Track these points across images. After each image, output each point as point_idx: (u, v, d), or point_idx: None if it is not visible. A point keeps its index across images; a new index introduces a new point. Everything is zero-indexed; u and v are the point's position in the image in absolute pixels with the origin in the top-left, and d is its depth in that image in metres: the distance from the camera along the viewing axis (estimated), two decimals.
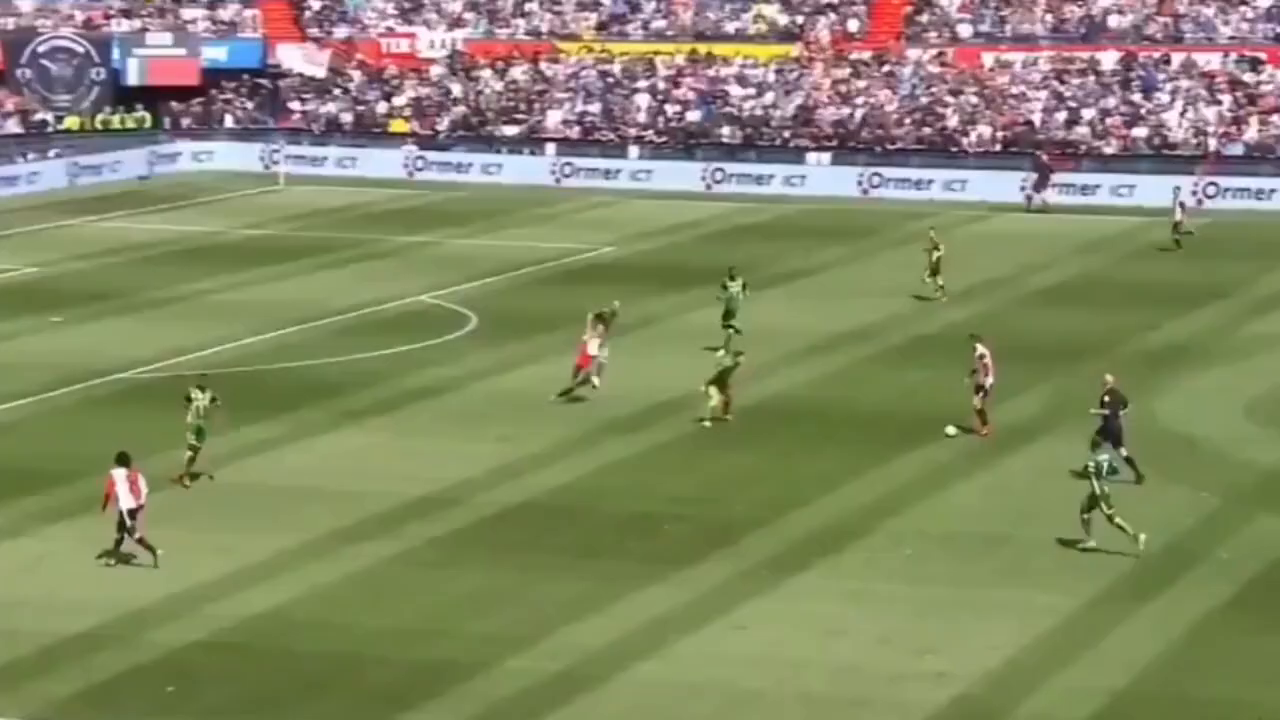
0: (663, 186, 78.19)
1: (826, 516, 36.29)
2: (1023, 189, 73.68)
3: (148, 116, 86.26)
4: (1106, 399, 38.29)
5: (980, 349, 41.36)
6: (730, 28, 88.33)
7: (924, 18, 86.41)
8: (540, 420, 42.90)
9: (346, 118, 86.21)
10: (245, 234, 69.05)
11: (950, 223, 66.16)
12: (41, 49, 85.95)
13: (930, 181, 76.39)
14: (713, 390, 41.83)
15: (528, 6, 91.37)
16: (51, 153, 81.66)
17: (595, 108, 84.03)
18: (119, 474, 33.05)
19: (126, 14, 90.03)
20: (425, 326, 52.57)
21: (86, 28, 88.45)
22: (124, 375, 46.93)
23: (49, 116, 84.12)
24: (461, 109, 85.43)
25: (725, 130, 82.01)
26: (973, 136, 78.81)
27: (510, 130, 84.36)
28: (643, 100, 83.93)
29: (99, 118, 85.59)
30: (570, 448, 40.71)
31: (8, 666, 29.08)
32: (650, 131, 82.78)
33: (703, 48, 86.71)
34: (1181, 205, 65.52)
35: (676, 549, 34.43)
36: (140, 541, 33.02)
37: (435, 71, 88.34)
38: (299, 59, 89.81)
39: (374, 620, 31.14)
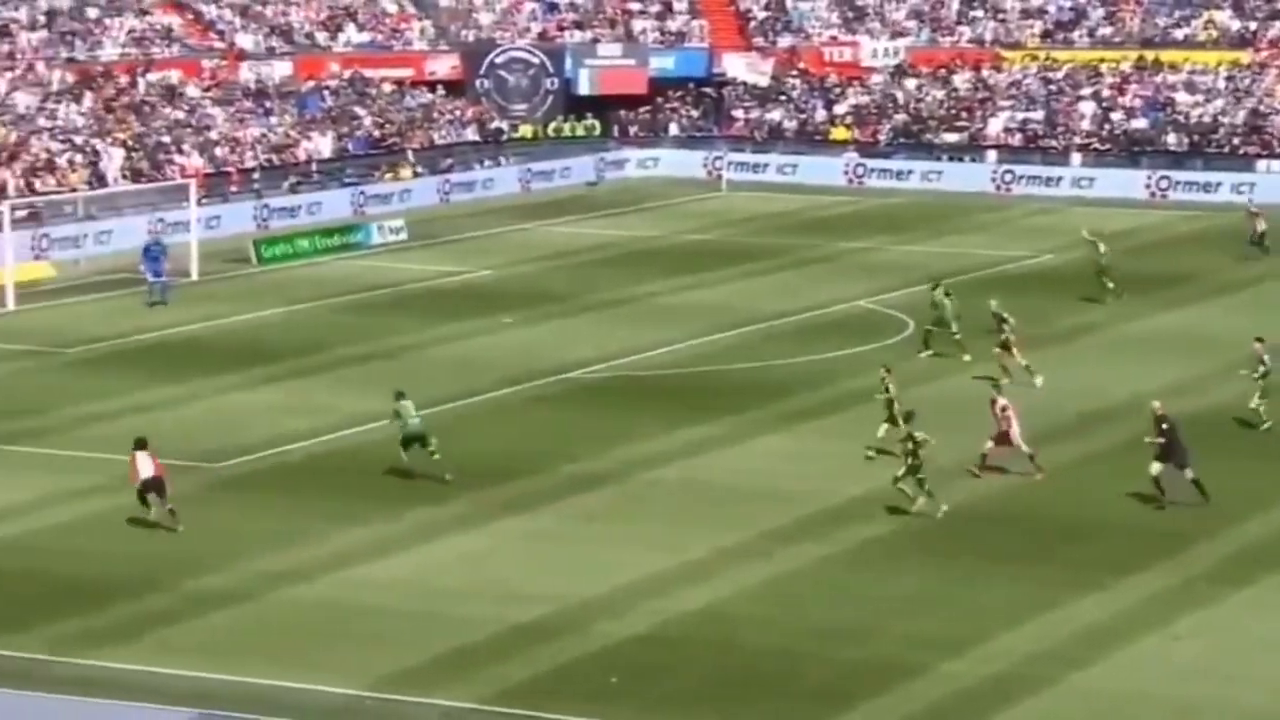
0: (1105, 194, 76.82)
1: (1272, 530, 35.23)
2: None
3: (597, 124, 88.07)
4: (1164, 426, 36.51)
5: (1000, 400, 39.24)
6: (1179, 34, 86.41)
7: None
8: (978, 426, 42.49)
9: (788, 125, 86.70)
10: (688, 239, 69.88)
11: None
12: (499, 60, 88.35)
13: None
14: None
15: (972, 14, 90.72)
16: (506, 160, 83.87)
17: (1038, 115, 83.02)
18: (140, 455, 35.51)
19: (580, 26, 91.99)
20: (864, 331, 52.53)
21: (541, 39, 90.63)
22: (570, 375, 47.90)
23: (504, 125, 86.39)
24: (902, 116, 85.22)
25: (1171, 138, 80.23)
26: None
27: (951, 137, 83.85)
28: (1087, 108, 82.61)
29: (551, 126, 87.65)
30: (1007, 454, 40.24)
31: (462, 652, 29.94)
32: (1094, 139, 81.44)
33: (1150, 54, 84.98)
34: (1253, 213, 63.87)
35: (1116, 557, 33.81)
36: (171, 512, 35.26)
37: (877, 79, 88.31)
38: (743, 68, 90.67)
39: (811, 619, 31.25)
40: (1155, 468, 36.55)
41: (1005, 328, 46.47)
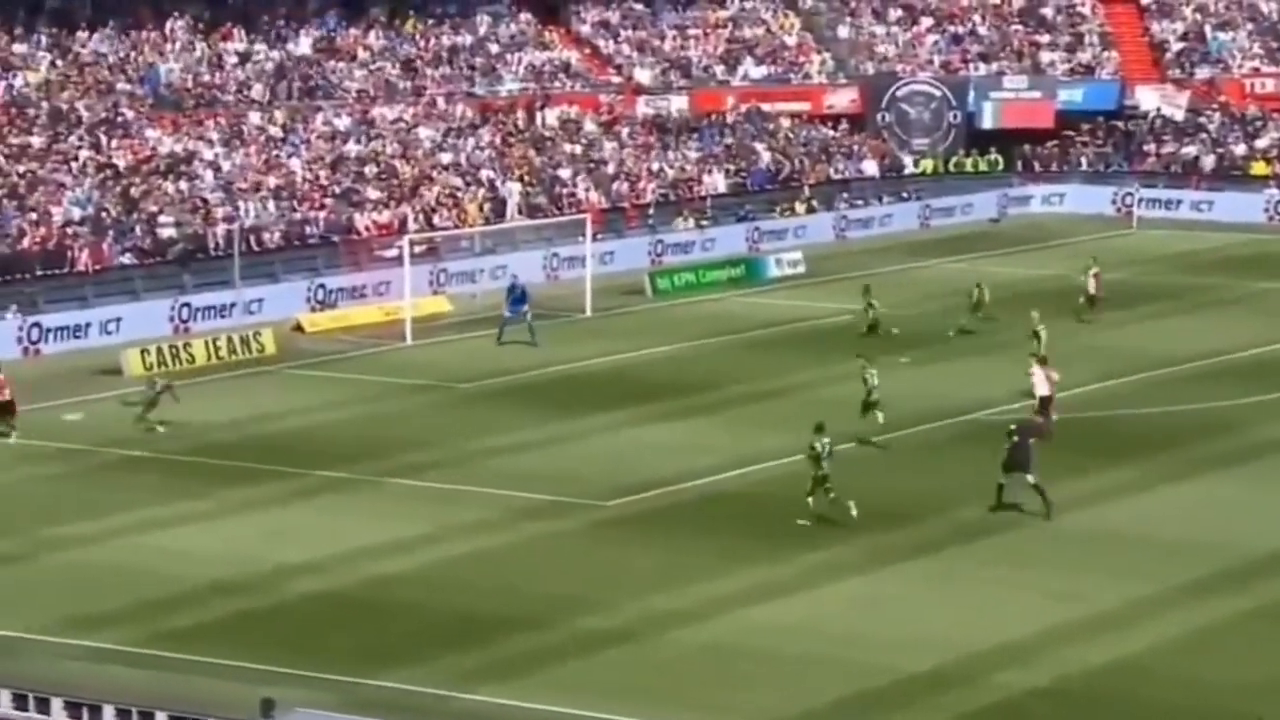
0: None
1: None
2: None
3: (1000, 159, 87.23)
4: (1013, 428, 39.10)
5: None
6: None
7: None
8: None
9: (1205, 160, 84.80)
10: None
11: None
12: (900, 93, 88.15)
13: None
14: None
15: None
16: (905, 195, 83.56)
17: None
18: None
19: (984, 58, 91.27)
20: None
21: (945, 72, 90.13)
22: (971, 417, 47.44)
23: (905, 159, 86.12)
24: None
25: None
26: None
27: None
28: None
29: (953, 161, 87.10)
30: None
31: (855, 699, 29.76)
32: None
33: None
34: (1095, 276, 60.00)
35: None
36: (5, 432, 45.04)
37: None
38: (1156, 100, 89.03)
39: (1226, 676, 30.42)
40: (1002, 477, 38.37)
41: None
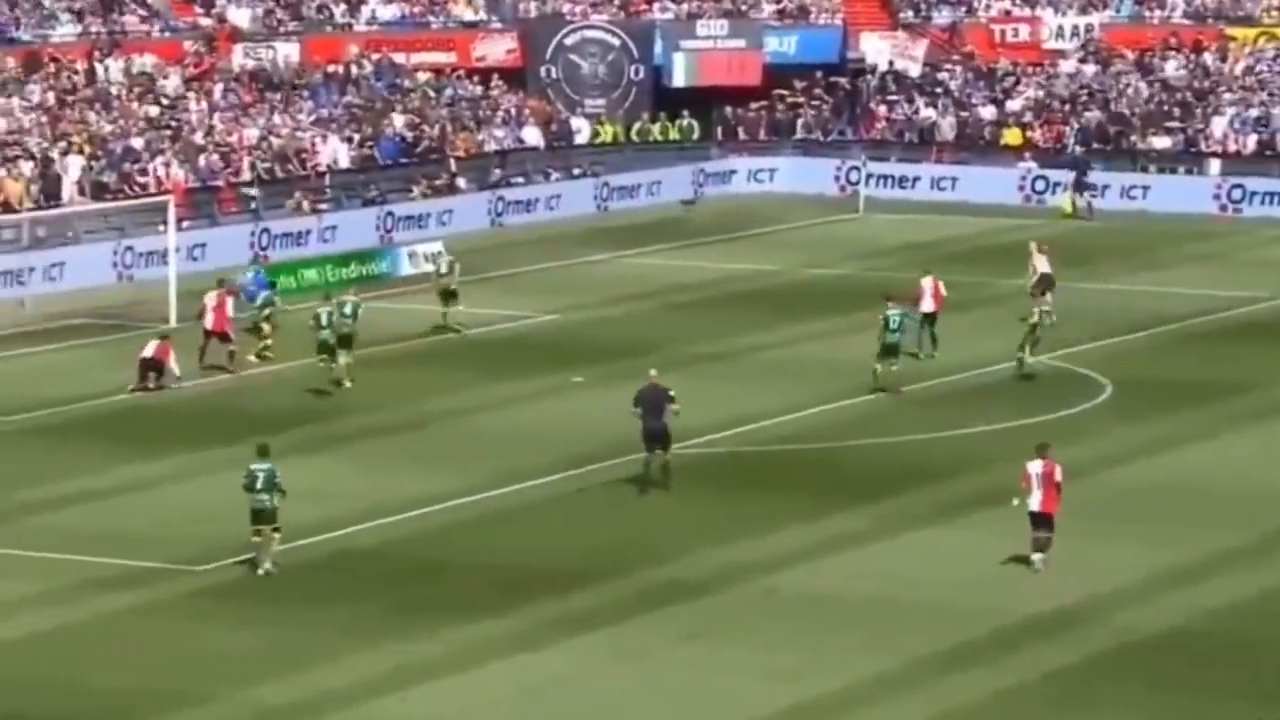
0: None
1: None
2: None
3: (695, 125, 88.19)
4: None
5: None
6: None
7: None
8: (1193, 521, 42.38)
9: (945, 126, 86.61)
10: (813, 274, 69.93)
11: None
12: (569, 42, 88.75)
13: None
14: None
15: None
16: (577, 171, 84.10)
17: (1278, 112, 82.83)
18: None
19: None
20: (1044, 396, 52.42)
21: (624, 14, 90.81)
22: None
23: (576, 125, 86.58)
24: (1096, 115, 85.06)
25: None
26: None
27: (1161, 143, 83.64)
28: None
29: (636, 127, 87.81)
30: (1236, 559, 40.08)
31: None
32: None
33: None
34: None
35: None
36: None
37: (1064, 67, 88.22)
38: (887, 52, 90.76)
39: None
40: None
41: None
